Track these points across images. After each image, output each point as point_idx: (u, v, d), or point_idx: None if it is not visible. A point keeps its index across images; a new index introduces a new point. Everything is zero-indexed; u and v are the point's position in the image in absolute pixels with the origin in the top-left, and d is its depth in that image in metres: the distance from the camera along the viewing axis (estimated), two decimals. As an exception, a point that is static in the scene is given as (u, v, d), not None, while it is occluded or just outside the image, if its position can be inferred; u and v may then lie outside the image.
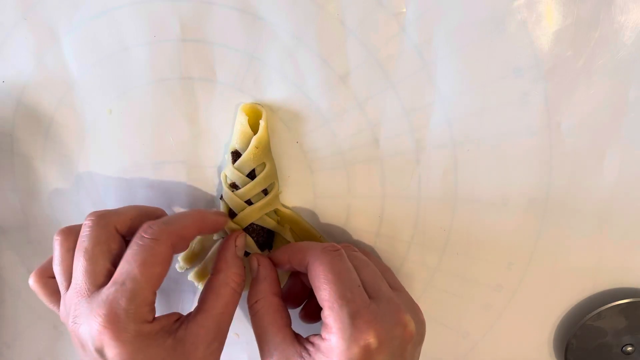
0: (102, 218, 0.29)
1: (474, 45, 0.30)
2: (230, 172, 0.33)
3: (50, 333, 0.40)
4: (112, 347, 0.26)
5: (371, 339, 0.26)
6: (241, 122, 0.32)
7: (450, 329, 0.37)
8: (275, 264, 0.32)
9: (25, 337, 0.40)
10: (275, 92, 0.32)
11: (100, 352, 0.26)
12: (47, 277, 0.32)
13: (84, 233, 0.29)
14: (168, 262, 0.28)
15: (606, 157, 0.32)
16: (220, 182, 0.35)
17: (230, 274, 0.30)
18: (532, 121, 0.31)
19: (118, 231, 0.30)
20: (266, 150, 0.33)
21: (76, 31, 0.32)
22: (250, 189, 0.32)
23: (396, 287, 0.32)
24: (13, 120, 0.35)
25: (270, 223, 0.34)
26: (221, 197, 0.34)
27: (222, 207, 0.34)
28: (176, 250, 0.29)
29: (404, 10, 0.30)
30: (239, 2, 0.31)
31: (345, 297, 0.27)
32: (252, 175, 0.33)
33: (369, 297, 0.28)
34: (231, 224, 0.33)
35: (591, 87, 0.31)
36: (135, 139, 0.34)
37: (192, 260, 0.35)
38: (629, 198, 0.33)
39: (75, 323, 0.27)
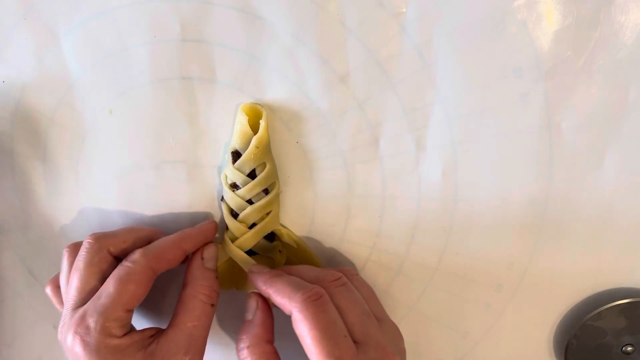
0: (97, 241, 0.31)
1: (474, 45, 0.30)
2: (231, 172, 0.33)
3: (50, 333, 0.40)
4: (81, 356, 0.28)
5: None
6: (241, 122, 0.32)
7: (450, 329, 0.37)
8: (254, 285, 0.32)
9: (25, 337, 0.40)
10: (275, 92, 0.32)
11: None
12: (59, 287, 0.33)
13: (81, 254, 0.31)
14: (145, 282, 0.30)
15: (606, 157, 0.32)
16: (220, 182, 0.35)
17: (198, 287, 0.31)
18: (532, 121, 0.31)
19: (111, 253, 0.31)
20: (266, 150, 0.33)
21: (76, 31, 0.32)
22: (251, 188, 0.32)
23: (379, 315, 0.31)
24: (13, 120, 0.35)
25: (264, 246, 0.34)
26: (222, 199, 0.34)
27: (223, 209, 0.34)
28: (157, 271, 0.31)
29: (404, 10, 0.30)
30: (239, 2, 0.31)
31: (333, 355, 0.27)
32: (252, 175, 0.33)
33: (357, 341, 0.28)
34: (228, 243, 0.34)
35: (591, 87, 0.31)
36: (135, 139, 0.34)
37: None
38: (629, 198, 0.33)
39: (61, 333, 0.29)
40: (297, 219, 0.35)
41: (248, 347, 0.30)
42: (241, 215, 0.33)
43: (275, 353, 0.30)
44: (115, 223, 0.36)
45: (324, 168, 0.34)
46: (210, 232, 0.34)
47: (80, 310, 0.29)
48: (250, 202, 0.33)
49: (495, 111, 0.32)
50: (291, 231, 0.35)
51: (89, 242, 0.31)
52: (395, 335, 0.31)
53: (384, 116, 0.32)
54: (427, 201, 0.34)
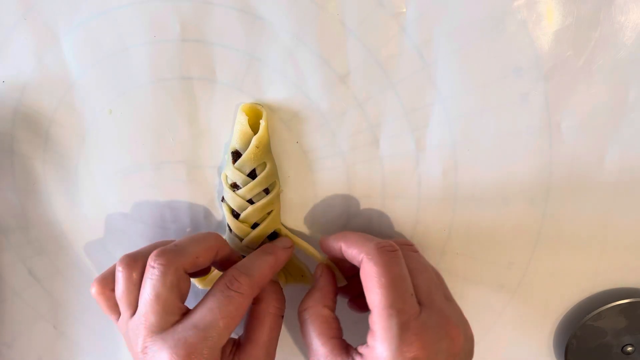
0: (171, 263, 0.29)
1: (474, 45, 0.30)
2: (231, 172, 0.33)
3: (50, 333, 0.40)
4: None
5: (418, 352, 0.26)
6: (241, 122, 0.32)
7: (450, 329, 0.37)
8: (324, 249, 0.32)
9: (25, 337, 0.40)
10: (275, 92, 0.32)
11: None
12: (109, 290, 0.31)
13: (156, 276, 0.29)
14: (247, 308, 0.30)
15: (606, 157, 0.32)
16: (220, 182, 0.35)
17: (271, 301, 0.31)
18: (532, 121, 0.32)
19: (187, 272, 0.30)
20: (266, 149, 0.33)
21: (76, 31, 0.32)
22: (252, 188, 0.32)
23: (448, 296, 0.31)
24: (13, 120, 0.35)
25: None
26: (222, 200, 0.34)
27: (224, 209, 0.34)
28: None
29: (404, 10, 0.30)
30: (239, 2, 0.31)
31: (396, 307, 0.27)
32: (252, 175, 0.33)
33: (421, 304, 0.28)
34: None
35: (591, 87, 0.31)
36: (135, 139, 0.34)
37: None
38: (628, 198, 0.33)
39: (146, 354, 0.28)
40: (297, 219, 0.35)
41: (305, 310, 0.31)
42: (243, 215, 0.33)
43: (332, 317, 0.31)
44: (115, 223, 0.36)
45: (324, 168, 0.34)
46: (289, 254, 0.33)
47: (178, 336, 0.28)
48: (251, 202, 0.33)
49: (495, 111, 0.32)
50: (290, 230, 0.35)
51: (161, 264, 0.29)
52: (459, 316, 0.30)
53: (384, 116, 0.32)
54: (427, 201, 0.34)
